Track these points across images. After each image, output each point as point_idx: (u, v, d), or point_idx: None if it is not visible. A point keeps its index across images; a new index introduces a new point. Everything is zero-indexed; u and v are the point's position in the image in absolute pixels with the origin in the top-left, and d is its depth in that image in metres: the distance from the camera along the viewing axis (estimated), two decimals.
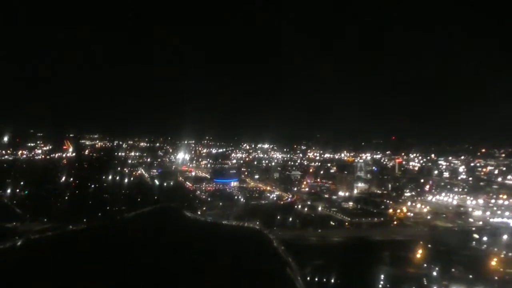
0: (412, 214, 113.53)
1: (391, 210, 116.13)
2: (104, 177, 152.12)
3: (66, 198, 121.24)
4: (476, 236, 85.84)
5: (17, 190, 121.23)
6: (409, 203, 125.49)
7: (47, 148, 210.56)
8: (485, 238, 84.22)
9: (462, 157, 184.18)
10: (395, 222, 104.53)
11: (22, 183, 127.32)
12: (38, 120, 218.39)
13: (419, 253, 74.63)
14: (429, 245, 78.18)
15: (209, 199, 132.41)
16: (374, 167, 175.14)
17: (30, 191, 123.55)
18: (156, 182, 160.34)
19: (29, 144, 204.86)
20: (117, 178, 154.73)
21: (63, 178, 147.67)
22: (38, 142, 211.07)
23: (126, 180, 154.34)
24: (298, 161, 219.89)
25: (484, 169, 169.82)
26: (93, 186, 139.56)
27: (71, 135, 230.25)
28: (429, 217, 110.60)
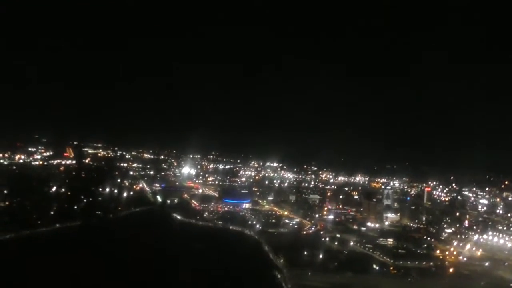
0: (465, 259, 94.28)
1: (438, 252, 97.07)
2: (100, 189, 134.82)
3: (52, 213, 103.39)
4: None
5: None
6: (455, 243, 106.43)
7: (48, 154, 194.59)
8: None
9: (487, 189, 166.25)
10: (450, 270, 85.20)
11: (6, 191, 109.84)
12: (43, 125, 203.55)
13: None
14: None
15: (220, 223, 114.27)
16: (406, 196, 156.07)
17: (12, 201, 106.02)
18: (159, 198, 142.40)
19: (30, 149, 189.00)
20: (115, 191, 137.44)
21: (54, 188, 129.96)
22: (39, 147, 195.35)
23: (125, 195, 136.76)
24: (312, 182, 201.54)
25: None
26: (85, 200, 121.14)
27: (74, 142, 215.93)
28: (486, 264, 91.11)
